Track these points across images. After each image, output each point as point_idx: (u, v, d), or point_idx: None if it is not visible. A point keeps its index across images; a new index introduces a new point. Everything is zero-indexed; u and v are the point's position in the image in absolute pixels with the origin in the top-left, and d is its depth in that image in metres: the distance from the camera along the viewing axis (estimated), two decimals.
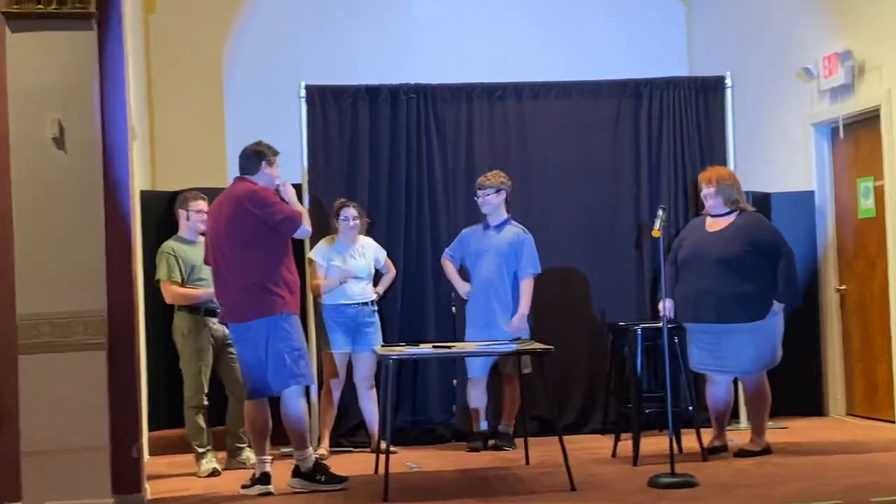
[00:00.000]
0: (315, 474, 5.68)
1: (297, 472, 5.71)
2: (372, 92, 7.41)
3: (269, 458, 5.75)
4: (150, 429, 6.95)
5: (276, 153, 5.89)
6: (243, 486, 5.73)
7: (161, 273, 6.37)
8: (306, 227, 5.86)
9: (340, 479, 5.71)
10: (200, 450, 6.35)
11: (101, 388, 5.26)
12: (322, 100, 7.35)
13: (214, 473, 6.26)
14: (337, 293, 6.82)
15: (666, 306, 6.17)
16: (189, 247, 6.47)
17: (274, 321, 5.58)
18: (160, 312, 6.73)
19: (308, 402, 7.06)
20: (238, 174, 5.87)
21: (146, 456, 6.19)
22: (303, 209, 6.03)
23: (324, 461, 5.96)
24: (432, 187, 7.45)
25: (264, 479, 5.68)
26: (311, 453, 5.75)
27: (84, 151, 5.28)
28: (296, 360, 5.64)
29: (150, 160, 8.00)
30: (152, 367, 6.96)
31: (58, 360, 5.21)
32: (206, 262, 5.99)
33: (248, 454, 6.48)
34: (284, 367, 5.60)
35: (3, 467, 5.28)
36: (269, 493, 5.62)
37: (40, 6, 5.16)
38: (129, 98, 5.62)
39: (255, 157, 5.83)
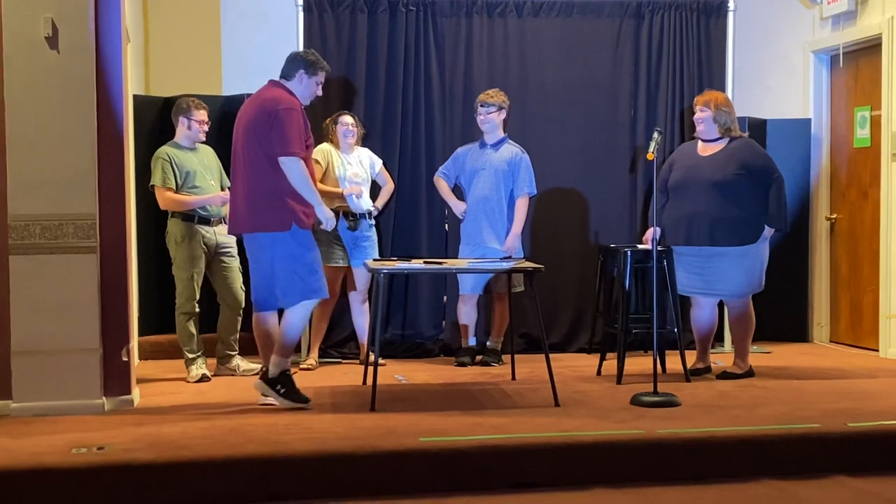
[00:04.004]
0: (276, 384, 5.38)
1: (263, 376, 5.45)
2: (371, 2, 7.32)
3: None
4: (142, 334, 7.02)
5: (323, 68, 5.54)
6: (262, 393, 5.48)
7: (156, 178, 6.35)
8: (325, 212, 5.42)
9: (301, 399, 5.39)
10: (191, 355, 6.42)
11: (92, 290, 5.30)
12: (320, 9, 7.27)
13: (204, 379, 6.33)
14: (335, 202, 6.72)
15: (649, 236, 6.19)
16: (185, 153, 6.44)
17: (281, 237, 5.32)
18: (153, 218, 6.74)
19: None
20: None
21: (136, 360, 6.24)
22: (317, 196, 5.41)
23: (296, 372, 5.78)
24: (429, 102, 7.39)
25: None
26: (287, 364, 5.44)
27: (77, 52, 5.23)
28: (310, 274, 5.39)
29: (143, 65, 7.92)
30: (145, 272, 7.01)
31: (49, 261, 5.24)
32: None
33: (238, 361, 6.56)
34: (298, 283, 5.35)
35: None
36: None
37: None
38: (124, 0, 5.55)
39: (296, 62, 5.49)
